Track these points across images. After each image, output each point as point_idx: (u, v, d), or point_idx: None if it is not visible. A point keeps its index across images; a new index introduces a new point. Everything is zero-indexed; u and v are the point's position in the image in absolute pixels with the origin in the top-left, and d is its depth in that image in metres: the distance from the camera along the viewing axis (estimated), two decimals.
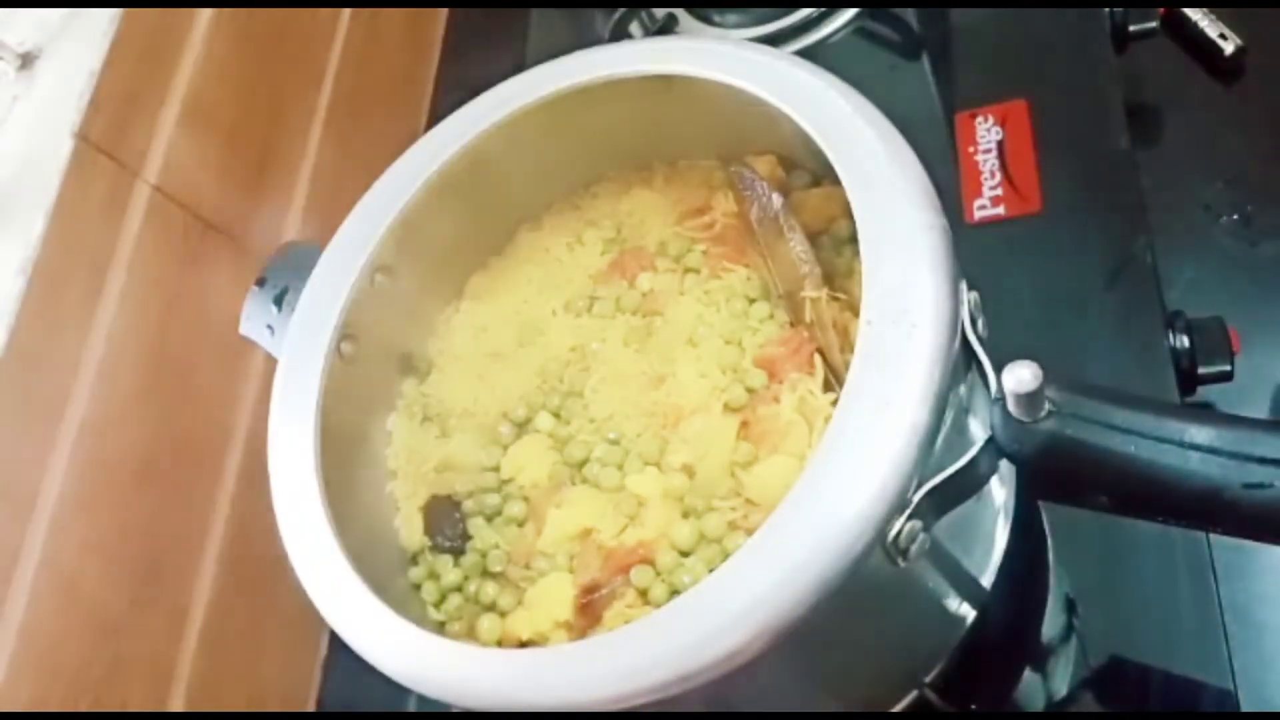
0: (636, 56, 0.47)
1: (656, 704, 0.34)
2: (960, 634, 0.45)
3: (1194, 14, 0.63)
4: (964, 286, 0.38)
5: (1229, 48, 0.62)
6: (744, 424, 0.43)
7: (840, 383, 0.40)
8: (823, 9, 0.70)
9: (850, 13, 0.70)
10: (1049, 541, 0.50)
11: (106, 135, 0.53)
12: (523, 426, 0.48)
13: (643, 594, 0.41)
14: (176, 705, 0.54)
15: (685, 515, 0.42)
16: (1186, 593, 0.47)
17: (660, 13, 0.74)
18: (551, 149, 0.50)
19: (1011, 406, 0.35)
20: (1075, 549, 0.50)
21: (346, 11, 0.74)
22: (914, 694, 0.45)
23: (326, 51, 0.72)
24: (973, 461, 0.36)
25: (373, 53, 0.76)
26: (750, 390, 0.44)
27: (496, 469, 0.47)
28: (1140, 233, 0.55)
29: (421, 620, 0.43)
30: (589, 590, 0.42)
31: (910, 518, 0.35)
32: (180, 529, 0.56)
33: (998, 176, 0.60)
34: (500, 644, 0.43)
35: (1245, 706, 0.45)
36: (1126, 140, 0.58)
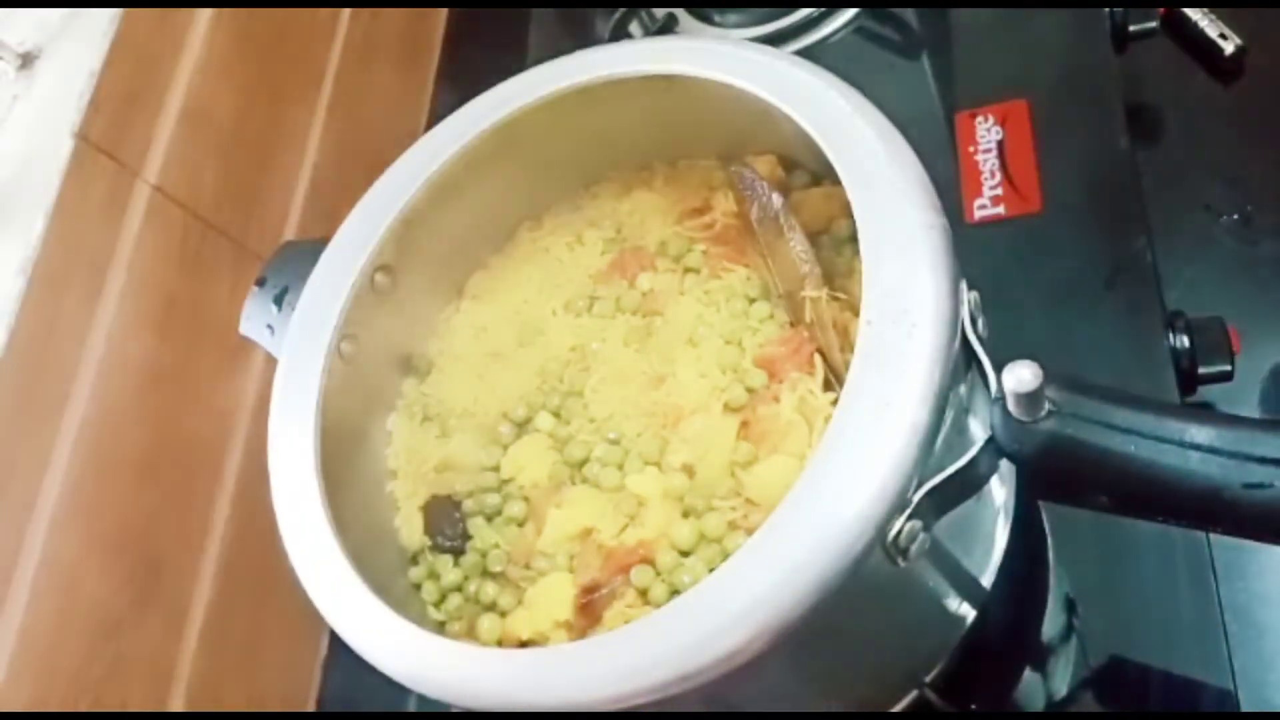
0: (636, 56, 0.47)
1: (656, 704, 0.34)
2: (960, 634, 0.45)
3: (1194, 14, 0.63)
4: (964, 286, 0.38)
5: (1229, 48, 0.62)
6: (744, 424, 0.43)
7: (840, 383, 0.40)
8: (823, 9, 0.70)
9: (850, 13, 0.70)
10: (1049, 541, 0.50)
11: (106, 135, 0.53)
12: (523, 426, 0.48)
13: (643, 594, 0.41)
14: (176, 705, 0.54)
15: (685, 515, 0.42)
16: (1186, 593, 0.47)
17: (660, 13, 0.74)
18: (551, 149, 0.50)
19: (1011, 406, 0.35)
20: (1075, 549, 0.50)
21: (346, 11, 0.74)
22: (914, 694, 0.45)
23: (326, 51, 0.72)
24: (973, 461, 0.36)
25: (373, 53, 0.76)
26: (750, 390, 0.44)
27: (496, 469, 0.47)
28: (1140, 233, 0.55)
29: (421, 620, 0.43)
30: (589, 590, 0.42)
31: (910, 518, 0.34)
32: (180, 529, 0.56)
33: (998, 176, 0.60)
34: (500, 644, 0.43)
35: (1245, 706, 0.45)
36: (1126, 140, 0.58)
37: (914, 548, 0.35)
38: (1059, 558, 0.50)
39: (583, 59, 0.48)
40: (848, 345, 0.41)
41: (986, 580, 0.45)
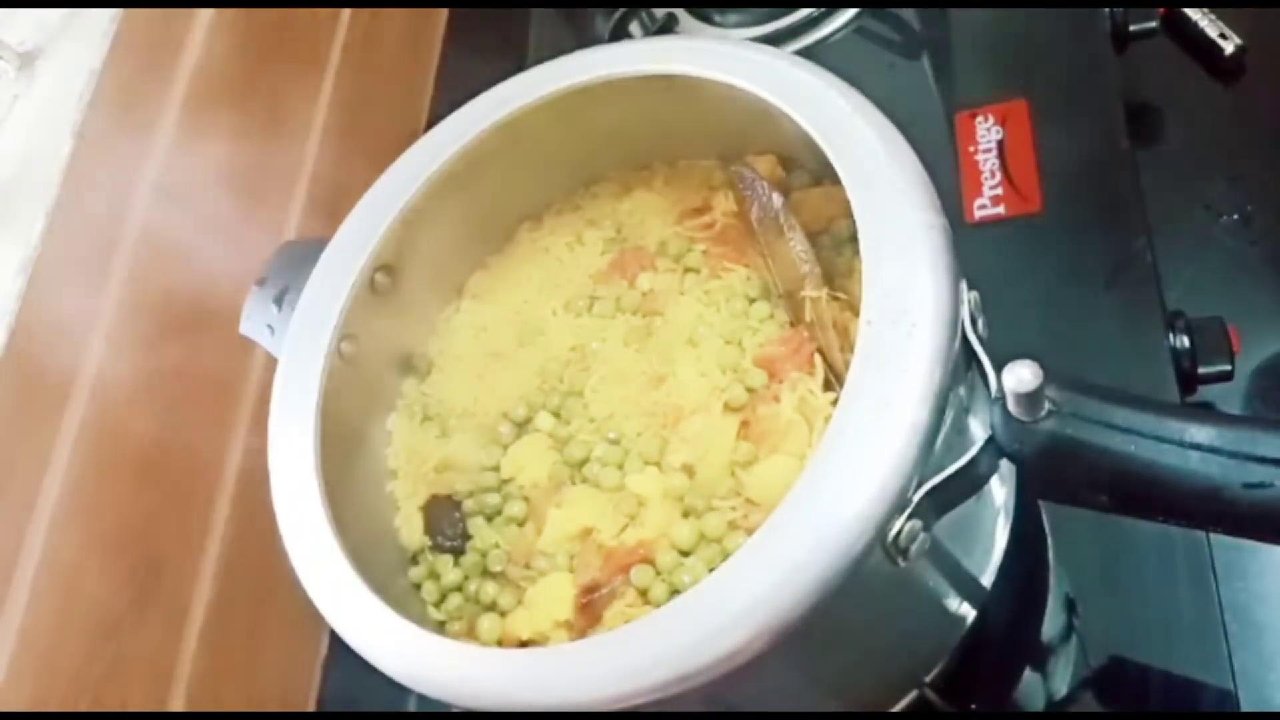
0: (636, 56, 0.47)
1: (656, 704, 0.34)
2: (960, 634, 0.45)
3: (1194, 14, 0.63)
4: (964, 286, 0.38)
5: (1229, 48, 0.62)
6: (744, 424, 0.43)
7: (840, 382, 0.40)
8: (823, 9, 0.70)
9: (850, 13, 0.70)
10: (1049, 541, 0.50)
11: (106, 135, 0.53)
12: (523, 426, 0.48)
13: (643, 594, 0.41)
14: (176, 705, 0.54)
15: (685, 515, 0.42)
16: (1186, 593, 0.47)
17: (660, 13, 0.74)
18: (551, 149, 0.50)
19: (1011, 406, 0.35)
20: (1075, 549, 0.50)
21: (346, 11, 0.74)
22: (914, 694, 0.45)
23: (326, 51, 0.72)
24: (973, 461, 0.36)
25: (373, 53, 0.76)
26: (750, 390, 0.44)
27: (496, 469, 0.47)
28: (1140, 233, 0.55)
29: (421, 620, 0.43)
30: (589, 590, 0.42)
31: (910, 517, 0.35)
32: (180, 529, 0.56)
33: (998, 176, 0.60)
34: (500, 644, 0.43)
35: (1245, 706, 0.45)
36: (1126, 140, 0.58)
37: (914, 548, 0.35)
38: (1059, 558, 0.50)
39: (583, 59, 0.48)
40: (848, 345, 0.41)
41: (986, 580, 0.45)
